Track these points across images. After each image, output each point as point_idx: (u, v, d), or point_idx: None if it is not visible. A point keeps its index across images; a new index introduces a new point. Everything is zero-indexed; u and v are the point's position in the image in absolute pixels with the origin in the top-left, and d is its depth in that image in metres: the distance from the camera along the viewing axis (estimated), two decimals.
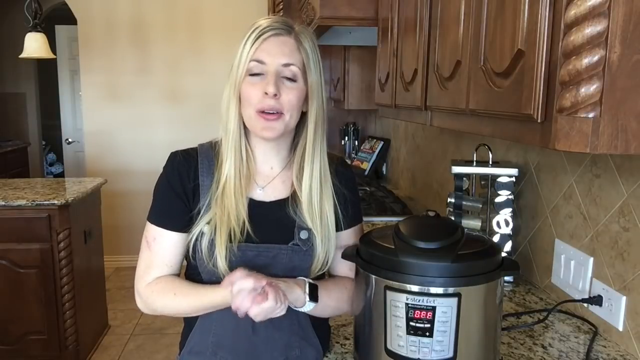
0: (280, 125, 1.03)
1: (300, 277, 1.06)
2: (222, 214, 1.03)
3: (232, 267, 1.01)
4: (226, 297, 0.98)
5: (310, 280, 1.06)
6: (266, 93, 1.01)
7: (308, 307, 1.04)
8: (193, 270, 1.10)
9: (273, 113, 1.02)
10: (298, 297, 1.01)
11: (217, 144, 1.11)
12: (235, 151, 1.06)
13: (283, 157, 1.13)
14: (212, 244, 1.03)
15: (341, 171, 1.16)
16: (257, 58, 1.02)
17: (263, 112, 1.02)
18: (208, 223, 1.04)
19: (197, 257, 1.06)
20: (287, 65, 1.02)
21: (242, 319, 1.03)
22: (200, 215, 1.05)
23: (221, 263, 1.02)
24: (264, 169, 1.12)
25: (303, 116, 1.09)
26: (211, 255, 1.03)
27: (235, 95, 1.04)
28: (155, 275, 1.08)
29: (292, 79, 1.03)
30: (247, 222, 1.04)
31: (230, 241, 1.03)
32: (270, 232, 1.07)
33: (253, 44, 1.02)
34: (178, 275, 1.12)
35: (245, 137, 1.09)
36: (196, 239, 1.05)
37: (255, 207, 1.08)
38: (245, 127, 1.07)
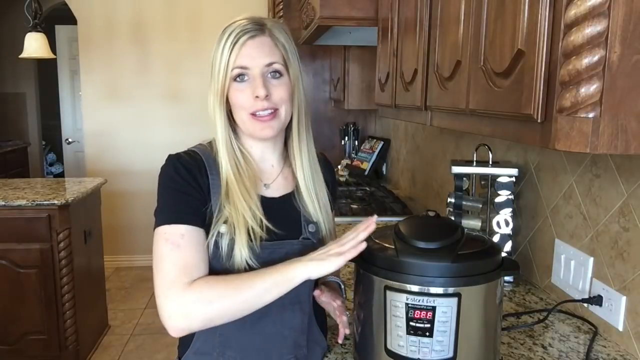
0: (277, 123, 1.05)
1: (333, 281, 1.16)
2: (237, 215, 1.02)
3: (250, 266, 1.01)
4: (305, 257, 0.97)
5: (341, 282, 1.17)
6: (257, 96, 1.02)
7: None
8: None
9: (267, 114, 1.03)
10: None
11: (211, 144, 1.11)
12: (229, 155, 1.07)
13: (280, 154, 1.14)
14: (233, 243, 1.01)
15: (324, 164, 1.20)
16: (239, 64, 1.03)
17: (256, 115, 1.03)
18: (225, 222, 1.02)
19: (215, 256, 1.03)
20: (270, 64, 1.04)
21: (248, 318, 1.02)
22: (215, 216, 1.03)
23: (240, 262, 1.01)
24: (266, 168, 1.13)
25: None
26: (230, 254, 1.01)
27: (221, 102, 1.06)
28: (195, 275, 0.97)
29: (277, 75, 1.05)
30: (263, 218, 1.04)
31: (251, 240, 1.02)
32: (281, 228, 1.07)
33: (232, 51, 1.03)
34: None
35: (238, 139, 1.10)
36: (215, 240, 1.02)
37: (266, 204, 1.08)
38: (234, 131, 1.09)
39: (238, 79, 1.04)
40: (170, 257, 0.97)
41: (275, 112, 1.04)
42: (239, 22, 1.05)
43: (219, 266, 1.03)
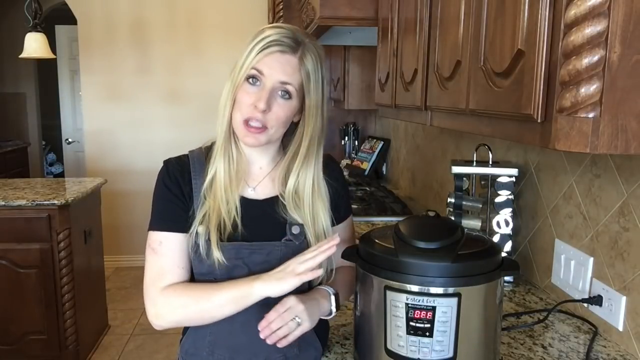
0: (263, 137, 1.06)
1: (322, 287, 1.10)
2: (213, 205, 1.06)
3: (228, 264, 1.05)
4: (258, 276, 1.00)
5: (333, 291, 1.09)
6: (256, 107, 1.03)
7: (332, 316, 1.10)
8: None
9: (257, 126, 1.04)
10: (326, 310, 1.07)
11: (208, 149, 1.13)
12: (225, 149, 1.08)
13: (270, 159, 1.15)
14: (208, 242, 1.05)
15: (330, 167, 1.18)
16: (258, 68, 1.03)
17: (248, 122, 1.04)
18: (202, 223, 1.06)
19: (196, 256, 1.07)
20: (284, 83, 1.04)
21: (236, 317, 1.04)
22: (196, 215, 1.07)
23: (218, 256, 1.04)
24: (254, 169, 1.14)
25: (294, 126, 1.11)
26: (208, 252, 1.05)
27: (231, 97, 1.06)
28: (169, 280, 1.06)
29: (286, 96, 1.05)
30: (237, 217, 1.06)
31: (219, 231, 1.05)
32: (263, 229, 1.09)
33: (258, 54, 1.03)
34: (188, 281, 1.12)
35: (235, 137, 1.11)
36: (195, 240, 1.06)
37: (248, 205, 1.10)
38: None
39: (251, 80, 1.04)
40: (150, 261, 1.08)
41: (264, 129, 1.05)
42: (280, 30, 1.05)
43: (201, 267, 1.08)
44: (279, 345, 0.98)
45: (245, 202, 1.10)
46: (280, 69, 1.03)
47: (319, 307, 1.05)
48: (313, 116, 1.08)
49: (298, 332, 0.99)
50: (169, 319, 1.05)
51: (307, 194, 1.10)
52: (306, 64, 1.05)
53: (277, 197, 1.12)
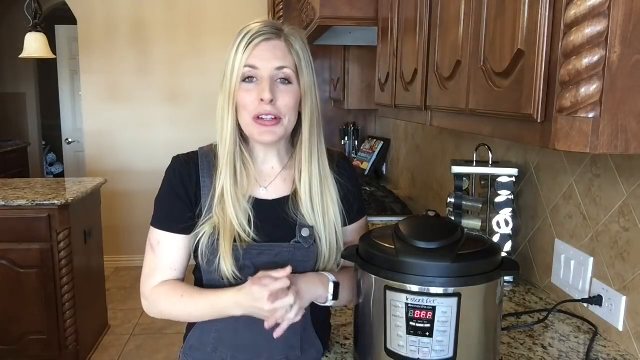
0: (280, 129, 1.04)
1: (324, 273, 1.08)
2: (224, 221, 1.04)
3: (236, 268, 1.03)
4: (236, 298, 1.00)
5: (334, 279, 1.07)
6: (262, 100, 1.01)
7: (328, 304, 1.08)
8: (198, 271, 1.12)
9: (270, 119, 1.02)
10: (321, 295, 1.06)
11: (217, 147, 1.11)
12: (229, 161, 1.06)
13: (282, 157, 1.14)
14: (213, 246, 1.04)
15: (342, 166, 1.17)
16: (250, 64, 1.02)
17: (259, 118, 1.02)
18: (210, 225, 1.05)
19: (199, 259, 1.07)
20: (280, 68, 1.03)
21: (240, 318, 1.03)
22: (202, 218, 1.06)
23: (225, 266, 1.03)
24: (265, 169, 1.13)
25: (300, 117, 1.09)
26: (213, 257, 1.04)
27: (230, 104, 1.04)
28: (160, 279, 1.09)
29: (286, 82, 1.04)
30: (251, 225, 1.05)
31: (236, 242, 1.04)
32: (273, 230, 1.08)
33: (245, 51, 1.02)
34: (183, 279, 1.13)
35: (244, 141, 1.09)
36: (198, 241, 1.06)
37: (259, 206, 1.09)
38: (242, 132, 1.08)
39: (247, 80, 1.03)
40: (148, 257, 1.12)
41: (278, 119, 1.03)
42: (256, 24, 1.05)
43: (203, 267, 1.07)
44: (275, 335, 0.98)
45: (256, 202, 1.09)
46: (271, 56, 1.02)
47: (315, 290, 1.05)
48: (308, 97, 1.07)
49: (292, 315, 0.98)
50: (154, 313, 1.12)
51: (315, 185, 1.09)
52: (294, 45, 1.05)
53: (288, 197, 1.11)
